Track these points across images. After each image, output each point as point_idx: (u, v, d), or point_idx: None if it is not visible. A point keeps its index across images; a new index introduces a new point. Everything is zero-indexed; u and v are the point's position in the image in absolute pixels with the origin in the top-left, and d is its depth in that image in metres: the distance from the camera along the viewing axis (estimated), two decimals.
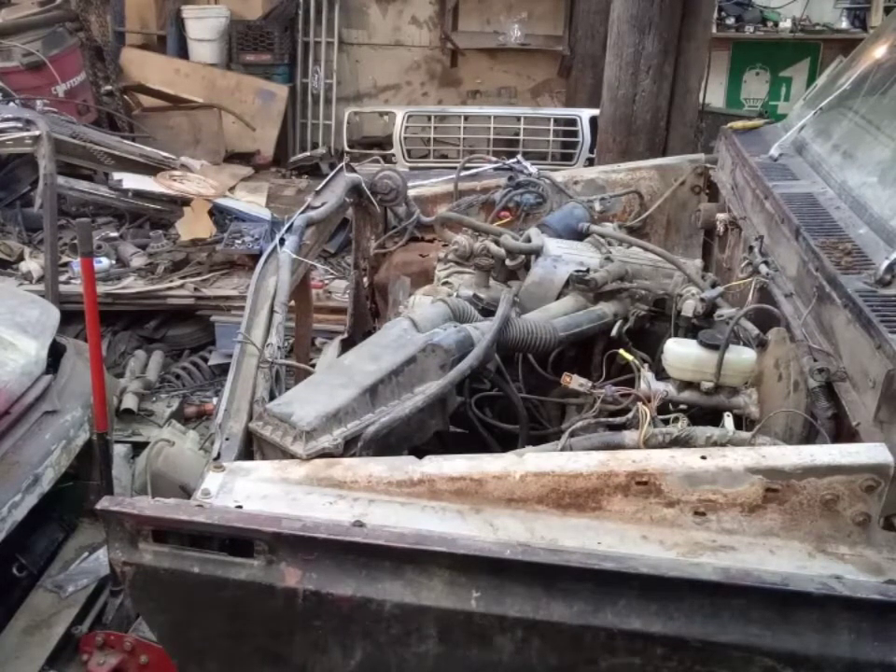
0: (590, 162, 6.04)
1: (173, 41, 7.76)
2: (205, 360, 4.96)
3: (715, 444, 1.82)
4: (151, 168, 5.73)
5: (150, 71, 7.39)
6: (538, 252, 2.68)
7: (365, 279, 3.32)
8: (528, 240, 2.76)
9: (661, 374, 2.14)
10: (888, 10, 7.59)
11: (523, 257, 2.73)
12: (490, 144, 6.61)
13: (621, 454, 1.70)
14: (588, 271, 2.57)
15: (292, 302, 2.57)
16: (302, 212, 2.85)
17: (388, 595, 1.51)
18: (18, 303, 3.23)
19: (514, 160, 3.51)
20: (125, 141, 6.08)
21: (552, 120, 6.64)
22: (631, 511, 1.62)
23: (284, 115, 7.74)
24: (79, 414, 2.91)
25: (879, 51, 2.88)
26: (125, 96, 7.16)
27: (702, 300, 2.37)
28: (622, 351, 2.25)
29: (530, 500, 1.63)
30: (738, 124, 3.27)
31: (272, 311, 2.30)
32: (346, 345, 2.93)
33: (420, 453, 1.77)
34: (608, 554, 1.50)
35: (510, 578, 1.48)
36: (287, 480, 1.69)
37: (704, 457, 1.63)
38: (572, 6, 7.73)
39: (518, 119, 6.69)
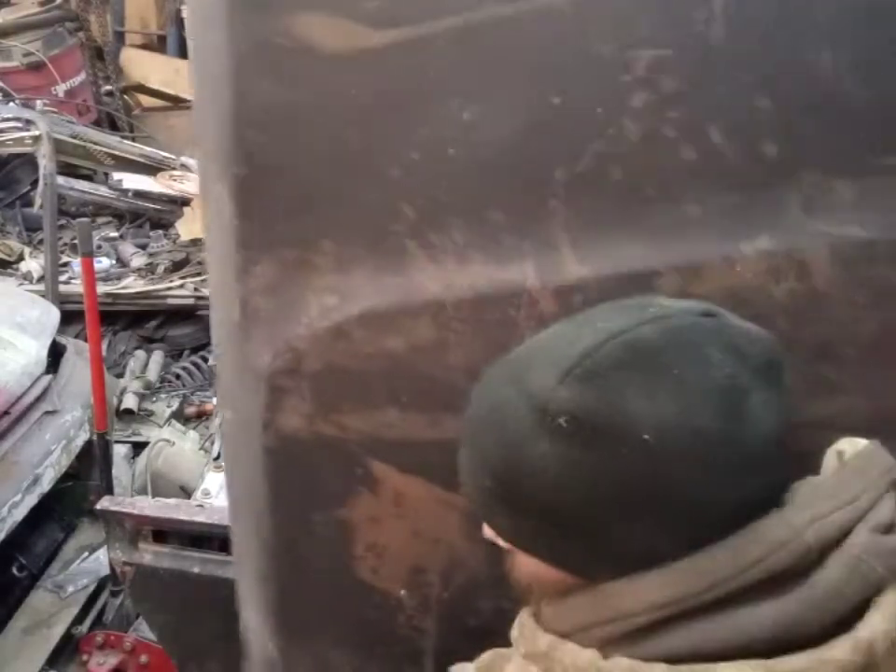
0: None
1: (173, 41, 7.75)
2: (205, 360, 4.94)
3: None
4: (151, 168, 5.73)
5: (150, 71, 7.39)
6: None
7: None
8: None
9: None
10: None
11: None
12: None
13: None
14: None
15: None
16: None
17: None
18: (18, 303, 3.23)
19: None
20: (125, 141, 6.08)
21: None
22: None
23: None
24: (79, 414, 2.91)
25: None
26: (125, 96, 7.16)
27: None
28: None
29: None
30: None
31: None
32: None
33: None
34: None
35: None
36: None
37: None
38: None
39: None
